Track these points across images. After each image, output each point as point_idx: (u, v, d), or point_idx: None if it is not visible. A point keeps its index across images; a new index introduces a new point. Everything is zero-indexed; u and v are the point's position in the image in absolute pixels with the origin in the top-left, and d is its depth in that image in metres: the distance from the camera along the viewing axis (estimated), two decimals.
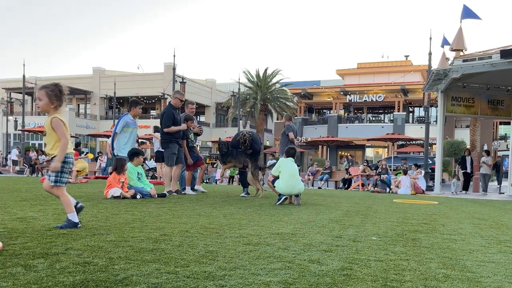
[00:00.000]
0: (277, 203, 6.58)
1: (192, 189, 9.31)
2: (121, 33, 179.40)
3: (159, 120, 8.55)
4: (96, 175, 18.01)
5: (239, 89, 37.41)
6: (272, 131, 47.59)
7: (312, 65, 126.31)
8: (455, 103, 14.95)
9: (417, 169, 15.18)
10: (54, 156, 3.51)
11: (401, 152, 34.14)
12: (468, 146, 28.29)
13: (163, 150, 13.17)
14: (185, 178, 8.88)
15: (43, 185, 3.81)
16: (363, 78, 45.70)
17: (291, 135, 9.50)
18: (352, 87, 43.92)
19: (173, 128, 7.96)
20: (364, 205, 7.29)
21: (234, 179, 19.17)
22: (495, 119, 26.00)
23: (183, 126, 8.21)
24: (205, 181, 19.18)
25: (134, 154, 7.34)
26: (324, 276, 2.33)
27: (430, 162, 20.21)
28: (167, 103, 8.64)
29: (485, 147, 33.31)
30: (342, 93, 44.41)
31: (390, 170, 16.63)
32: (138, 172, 7.30)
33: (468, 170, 16.01)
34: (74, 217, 3.64)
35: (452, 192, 15.13)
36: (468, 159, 16.17)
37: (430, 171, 17.55)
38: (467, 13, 20.19)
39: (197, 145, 10.29)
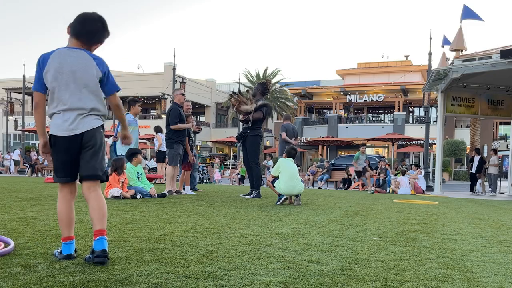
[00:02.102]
0: (277, 203, 6.58)
1: (192, 189, 9.33)
2: (121, 33, 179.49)
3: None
4: None
5: (239, 89, 37.39)
6: (272, 131, 47.58)
7: (312, 65, 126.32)
8: (455, 103, 14.93)
9: (417, 169, 15.16)
10: None
11: (402, 151, 34.11)
12: (469, 147, 28.25)
13: (164, 150, 13.24)
14: (196, 178, 9.01)
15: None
16: (363, 78, 45.69)
17: (283, 135, 9.35)
18: (352, 87, 43.91)
19: (180, 126, 8.00)
20: (364, 205, 7.29)
21: (245, 179, 18.97)
22: (495, 119, 26.01)
23: (189, 125, 8.33)
24: (205, 181, 19.19)
25: (132, 154, 7.35)
26: (324, 276, 2.33)
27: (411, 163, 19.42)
28: (172, 102, 8.67)
29: (485, 147, 33.34)
30: (342, 93, 44.40)
31: (390, 169, 16.61)
32: (138, 172, 7.31)
33: (473, 171, 15.79)
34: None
35: (481, 193, 15.04)
36: (476, 159, 15.89)
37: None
38: (468, 14, 20.17)
39: (197, 145, 10.30)
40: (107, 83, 2.65)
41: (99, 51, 2.81)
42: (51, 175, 19.15)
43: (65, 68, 2.56)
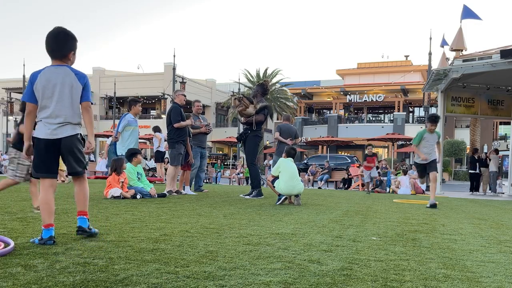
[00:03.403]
0: (277, 203, 6.58)
1: (197, 189, 9.37)
2: (121, 33, 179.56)
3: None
4: (96, 175, 18.00)
5: (239, 89, 37.43)
6: (272, 131, 47.55)
7: (312, 65, 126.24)
8: (455, 103, 14.93)
9: None
10: None
11: (402, 151, 34.06)
12: (468, 147, 28.22)
13: (162, 150, 13.23)
14: (202, 177, 9.10)
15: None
16: (363, 78, 45.72)
17: (276, 134, 9.21)
18: (352, 87, 43.94)
19: (183, 123, 8.02)
20: (364, 205, 7.29)
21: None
22: (495, 119, 26.01)
23: (189, 121, 8.35)
24: (205, 181, 19.18)
25: (132, 154, 7.35)
26: (324, 276, 2.33)
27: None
28: (172, 102, 8.69)
29: (485, 147, 33.34)
30: (342, 93, 44.43)
31: (390, 169, 16.61)
32: (138, 172, 7.31)
33: (478, 171, 15.78)
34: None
35: (500, 194, 15.04)
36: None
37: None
38: (468, 13, 20.18)
39: None
40: (83, 93, 3.21)
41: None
42: None
43: (50, 83, 3.07)
